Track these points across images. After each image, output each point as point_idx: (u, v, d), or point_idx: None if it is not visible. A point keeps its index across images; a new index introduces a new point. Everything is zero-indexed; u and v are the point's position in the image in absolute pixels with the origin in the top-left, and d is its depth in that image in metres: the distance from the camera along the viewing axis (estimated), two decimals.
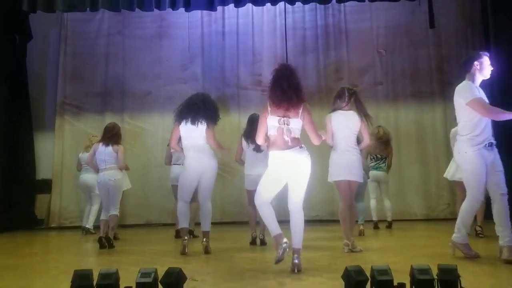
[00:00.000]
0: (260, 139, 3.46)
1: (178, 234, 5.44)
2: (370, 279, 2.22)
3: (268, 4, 7.44)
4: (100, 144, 5.23)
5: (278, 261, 3.20)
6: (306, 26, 8.47)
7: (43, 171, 8.27)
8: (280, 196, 3.52)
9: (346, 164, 4.23)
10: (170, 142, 4.72)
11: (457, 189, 5.52)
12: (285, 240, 3.19)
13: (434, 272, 2.23)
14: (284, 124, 3.29)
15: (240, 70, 8.37)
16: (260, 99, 8.44)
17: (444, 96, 7.97)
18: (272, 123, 3.34)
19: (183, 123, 4.45)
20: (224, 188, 8.02)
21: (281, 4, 7.59)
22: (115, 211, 5.06)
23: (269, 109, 3.38)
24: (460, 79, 3.88)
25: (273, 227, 3.29)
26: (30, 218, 8.04)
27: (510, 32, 6.82)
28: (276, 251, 3.22)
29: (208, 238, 4.33)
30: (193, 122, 4.40)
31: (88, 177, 6.63)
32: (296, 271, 3.17)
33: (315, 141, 3.49)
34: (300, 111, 3.34)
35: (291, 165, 3.30)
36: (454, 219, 6.21)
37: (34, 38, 8.33)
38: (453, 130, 5.09)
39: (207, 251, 4.26)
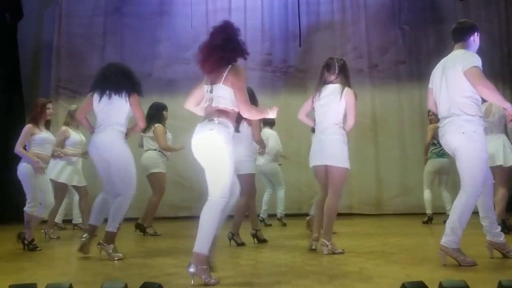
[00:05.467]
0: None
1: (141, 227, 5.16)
2: None
3: None
4: None
5: None
6: (321, 0, 7.76)
7: None
8: None
9: (317, 146, 3.62)
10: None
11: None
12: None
13: None
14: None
15: (247, 50, 7.68)
16: (270, 80, 7.79)
17: None
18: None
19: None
20: None
21: None
22: None
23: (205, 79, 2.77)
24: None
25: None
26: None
27: None
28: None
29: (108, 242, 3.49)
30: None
31: None
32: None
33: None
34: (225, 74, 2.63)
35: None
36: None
37: (27, 17, 7.82)
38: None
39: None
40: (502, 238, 3.00)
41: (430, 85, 3.20)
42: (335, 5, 7.75)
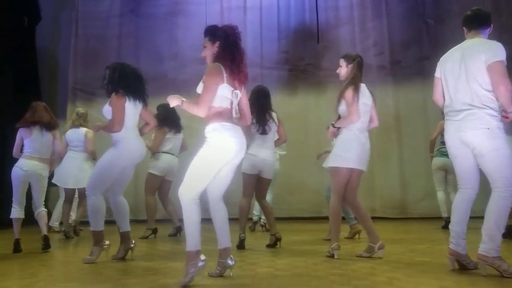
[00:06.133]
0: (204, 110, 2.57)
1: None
2: None
3: None
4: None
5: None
6: None
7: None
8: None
9: (364, 149, 3.36)
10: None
11: None
12: (203, 257, 2.57)
13: None
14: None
15: (264, 48, 7.52)
16: (287, 79, 7.56)
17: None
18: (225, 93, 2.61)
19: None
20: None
21: None
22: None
23: (225, 75, 2.59)
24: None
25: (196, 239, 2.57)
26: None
27: None
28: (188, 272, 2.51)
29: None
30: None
31: None
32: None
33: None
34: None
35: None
36: None
37: (44, 20, 7.88)
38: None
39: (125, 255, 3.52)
40: (466, 250, 2.73)
41: (437, 75, 2.89)
42: None
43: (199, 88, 2.60)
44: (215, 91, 2.54)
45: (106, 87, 3.46)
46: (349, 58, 3.43)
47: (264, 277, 2.71)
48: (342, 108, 3.33)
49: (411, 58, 7.30)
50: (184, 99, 2.54)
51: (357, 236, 4.66)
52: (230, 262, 2.65)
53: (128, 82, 3.43)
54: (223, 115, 2.58)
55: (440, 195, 5.44)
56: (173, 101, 2.56)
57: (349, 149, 3.31)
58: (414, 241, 4.34)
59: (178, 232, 5.17)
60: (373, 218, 6.67)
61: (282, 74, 7.48)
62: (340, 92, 3.34)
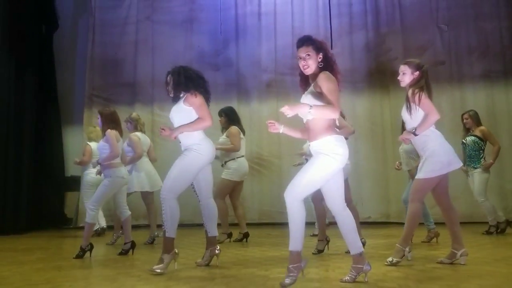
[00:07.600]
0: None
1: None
2: None
3: None
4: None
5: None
6: (353, 1, 7.50)
7: (72, 168, 7.86)
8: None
9: None
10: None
11: None
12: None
13: None
14: None
15: (278, 54, 7.55)
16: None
17: None
18: None
19: None
20: (261, 185, 7.24)
21: None
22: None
23: None
24: None
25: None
26: (59, 217, 7.69)
27: None
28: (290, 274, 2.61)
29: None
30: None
31: None
32: None
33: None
34: None
35: None
36: None
37: (61, 27, 8.05)
38: None
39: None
40: None
41: None
42: (368, 5, 7.42)
43: (306, 99, 2.71)
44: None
45: (173, 91, 3.42)
46: (414, 66, 3.40)
47: (276, 285, 2.74)
48: (419, 115, 3.28)
49: (426, 63, 7.17)
50: (310, 104, 2.56)
51: (434, 240, 4.64)
52: (367, 267, 2.65)
53: (196, 83, 3.42)
54: (332, 127, 2.69)
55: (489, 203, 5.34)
56: (293, 110, 2.60)
57: (446, 151, 3.28)
58: (429, 246, 4.32)
59: (245, 237, 5.01)
60: (387, 223, 6.74)
61: (296, 80, 7.40)
62: (413, 100, 3.28)
